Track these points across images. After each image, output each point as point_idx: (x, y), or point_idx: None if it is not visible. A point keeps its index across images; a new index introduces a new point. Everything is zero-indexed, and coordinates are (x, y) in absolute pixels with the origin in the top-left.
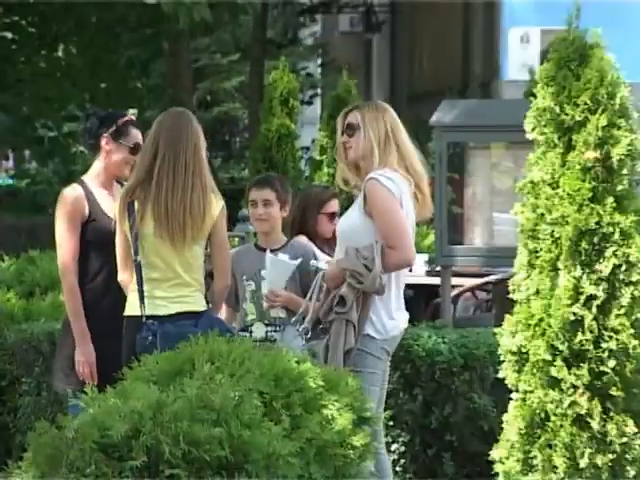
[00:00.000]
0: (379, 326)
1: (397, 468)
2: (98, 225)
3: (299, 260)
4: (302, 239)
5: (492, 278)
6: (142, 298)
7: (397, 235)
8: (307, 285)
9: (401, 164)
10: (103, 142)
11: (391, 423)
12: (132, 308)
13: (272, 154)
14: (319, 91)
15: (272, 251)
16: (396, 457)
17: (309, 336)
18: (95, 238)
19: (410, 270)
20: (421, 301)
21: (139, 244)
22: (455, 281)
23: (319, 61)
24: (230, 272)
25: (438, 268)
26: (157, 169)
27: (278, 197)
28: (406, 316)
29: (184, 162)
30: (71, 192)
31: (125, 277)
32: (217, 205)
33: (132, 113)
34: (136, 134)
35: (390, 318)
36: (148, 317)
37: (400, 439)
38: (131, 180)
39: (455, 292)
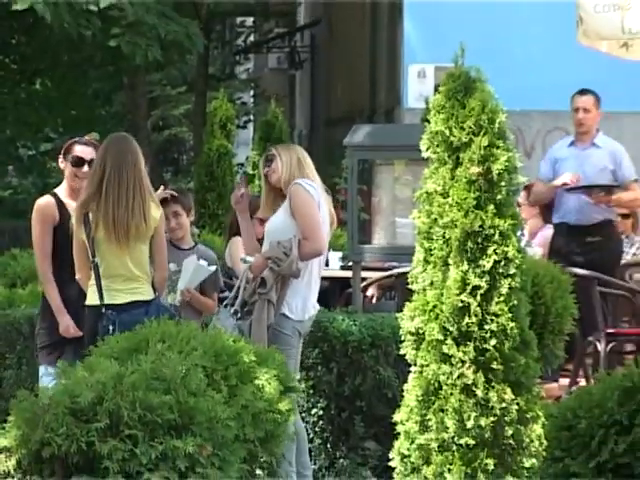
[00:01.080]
0: (294, 307)
1: (316, 429)
2: (66, 228)
3: (215, 267)
4: (206, 250)
5: (395, 272)
6: (100, 291)
7: (311, 228)
8: (211, 283)
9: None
10: (60, 161)
11: (311, 391)
12: (92, 299)
13: (213, 169)
14: (252, 117)
15: (182, 250)
16: (315, 419)
17: (238, 316)
18: (63, 239)
19: (327, 265)
20: (336, 291)
21: (95, 248)
22: (364, 274)
23: (252, 92)
24: (167, 267)
25: (350, 263)
26: (105, 185)
27: (183, 207)
28: (317, 305)
29: (127, 179)
30: (43, 202)
31: (80, 276)
32: (157, 212)
33: (94, 136)
34: (80, 150)
35: (304, 303)
36: (107, 307)
37: (319, 405)
38: (84, 195)
39: (364, 283)
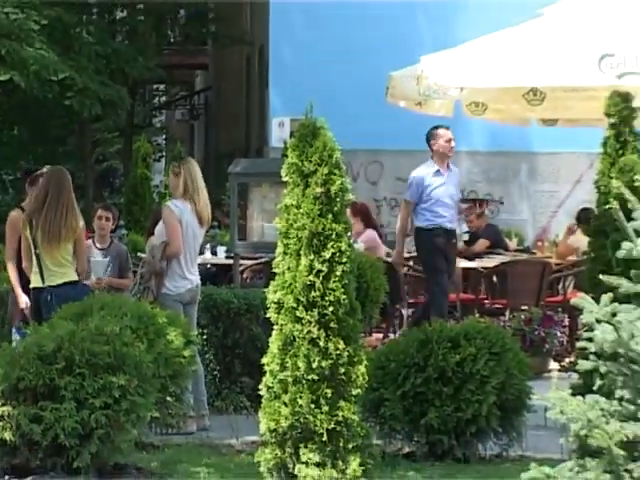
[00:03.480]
0: (171, 286)
1: (208, 369)
2: None
3: (108, 258)
4: (119, 244)
5: (263, 260)
6: (42, 276)
7: (170, 236)
8: (124, 268)
9: (190, 197)
10: (27, 187)
11: (205, 343)
12: (36, 282)
13: (137, 190)
14: (164, 153)
15: (102, 249)
16: (208, 362)
17: (138, 296)
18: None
19: (216, 255)
20: (222, 274)
21: (37, 244)
22: (242, 262)
23: (164, 136)
24: (86, 261)
25: (232, 254)
26: (47, 203)
27: (112, 217)
28: (197, 277)
29: (62, 199)
30: (14, 214)
31: (26, 265)
32: (79, 223)
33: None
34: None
35: (182, 279)
36: (47, 287)
37: (210, 352)
38: (30, 208)
39: (241, 268)
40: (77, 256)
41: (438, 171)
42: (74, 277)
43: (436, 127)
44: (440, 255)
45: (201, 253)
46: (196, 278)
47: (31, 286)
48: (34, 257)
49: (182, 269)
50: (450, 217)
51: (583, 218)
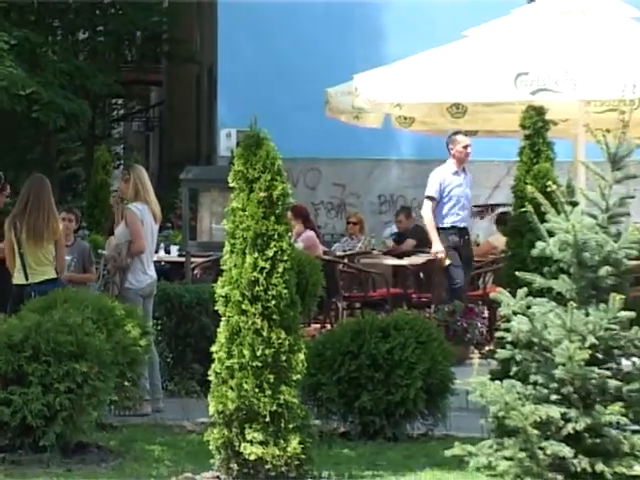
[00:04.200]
0: (134, 281)
1: (163, 356)
2: None
3: (71, 257)
4: (82, 242)
5: (213, 258)
6: (25, 273)
7: (134, 235)
8: (87, 263)
9: (144, 198)
10: None
11: (160, 333)
12: (19, 279)
13: (98, 194)
14: (122, 161)
15: (67, 246)
16: (161, 350)
17: (102, 289)
18: None
19: (169, 253)
20: (175, 270)
21: (21, 244)
22: (193, 260)
23: (122, 146)
24: (64, 260)
25: (184, 253)
26: (29, 207)
27: (75, 218)
28: (154, 272)
29: (43, 204)
30: None
31: (9, 264)
32: (59, 225)
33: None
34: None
35: (143, 274)
36: (30, 284)
37: (164, 341)
38: (14, 211)
39: (193, 265)
40: (57, 255)
41: (456, 172)
42: (54, 275)
43: (456, 133)
44: (455, 251)
45: (156, 252)
46: (154, 273)
47: (14, 283)
48: (18, 256)
49: (144, 265)
50: (464, 216)
51: (501, 221)
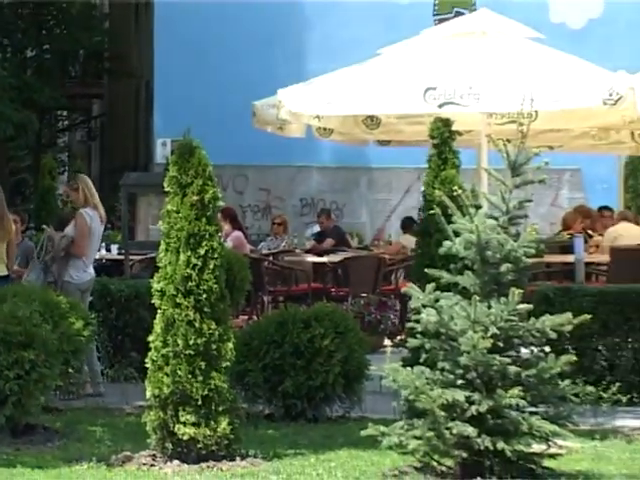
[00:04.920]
0: (74, 276)
1: (103, 345)
2: None
3: (15, 255)
4: (28, 241)
5: (149, 256)
6: None
7: (79, 238)
8: (30, 260)
9: (92, 203)
10: None
11: (101, 324)
12: None
13: (45, 198)
14: (67, 168)
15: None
16: (102, 340)
17: (41, 279)
18: None
19: (110, 251)
20: (115, 267)
21: None
22: (132, 257)
23: (67, 154)
24: (14, 257)
25: (123, 251)
26: None
27: (21, 219)
28: (93, 273)
29: None
30: None
31: None
32: (12, 226)
33: None
34: None
35: (84, 272)
36: None
37: (105, 331)
38: None
39: (131, 262)
40: (9, 254)
41: None
42: (5, 272)
43: None
44: None
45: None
46: (93, 271)
47: None
48: None
49: (85, 264)
50: None
51: (406, 225)
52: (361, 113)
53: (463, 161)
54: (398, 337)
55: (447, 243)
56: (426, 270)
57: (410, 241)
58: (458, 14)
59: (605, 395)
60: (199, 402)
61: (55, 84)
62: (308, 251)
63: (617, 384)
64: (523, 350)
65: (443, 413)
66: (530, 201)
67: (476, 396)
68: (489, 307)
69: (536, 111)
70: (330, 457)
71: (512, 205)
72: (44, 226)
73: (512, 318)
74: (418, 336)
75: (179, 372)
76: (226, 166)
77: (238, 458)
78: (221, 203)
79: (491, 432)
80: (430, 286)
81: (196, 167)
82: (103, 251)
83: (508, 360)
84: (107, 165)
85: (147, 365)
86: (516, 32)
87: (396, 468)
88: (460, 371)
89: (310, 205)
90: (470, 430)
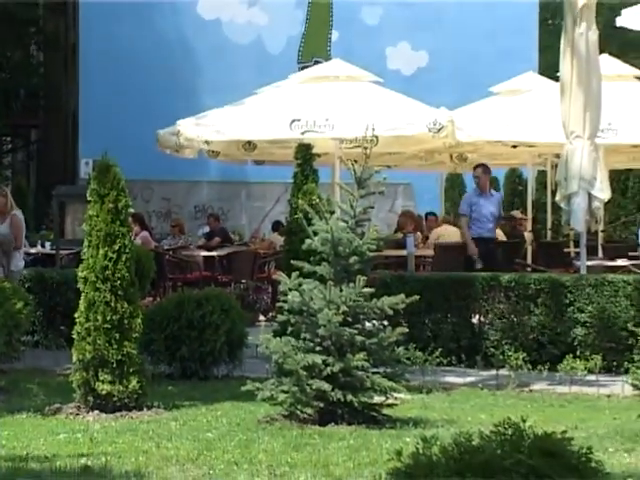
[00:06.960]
0: (17, 265)
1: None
2: None
3: None
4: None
5: (75, 250)
6: None
7: (18, 235)
8: None
9: (15, 205)
10: None
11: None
12: None
13: None
14: (10, 182)
15: None
16: (38, 316)
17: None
18: None
19: (44, 247)
20: (48, 259)
21: None
22: (61, 252)
23: (10, 171)
24: None
25: (55, 247)
26: None
27: None
28: (23, 262)
29: None
30: None
31: None
32: None
33: None
34: None
35: (20, 261)
36: None
37: (41, 310)
38: None
39: (61, 256)
40: None
41: (480, 194)
42: None
43: (475, 167)
44: (479, 257)
45: (34, 246)
46: (22, 263)
47: None
48: None
49: (20, 255)
50: (489, 229)
51: (276, 226)
52: (241, 139)
53: (321, 177)
54: (270, 314)
55: (308, 241)
56: (292, 262)
57: (279, 239)
58: (317, 62)
59: (430, 358)
60: (114, 365)
61: (1, 116)
62: (200, 247)
63: (439, 350)
64: (367, 324)
65: (305, 373)
66: (372, 208)
67: (330, 359)
68: (341, 290)
69: (377, 137)
70: (217, 407)
71: (358, 211)
72: None
73: (358, 299)
74: (285, 313)
75: (98, 341)
76: (136, 180)
77: (145, 409)
78: (131, 209)
79: (342, 387)
80: (295, 274)
81: (112, 181)
82: (39, 247)
83: (355, 331)
84: (43, 180)
85: (73, 336)
86: (361, 76)
87: (268, 415)
88: (318, 340)
89: (202, 211)
90: (326, 386)
